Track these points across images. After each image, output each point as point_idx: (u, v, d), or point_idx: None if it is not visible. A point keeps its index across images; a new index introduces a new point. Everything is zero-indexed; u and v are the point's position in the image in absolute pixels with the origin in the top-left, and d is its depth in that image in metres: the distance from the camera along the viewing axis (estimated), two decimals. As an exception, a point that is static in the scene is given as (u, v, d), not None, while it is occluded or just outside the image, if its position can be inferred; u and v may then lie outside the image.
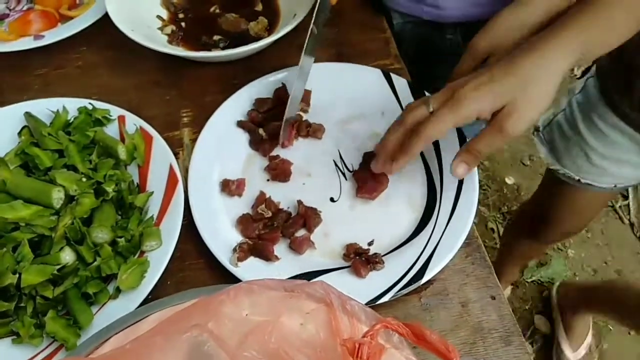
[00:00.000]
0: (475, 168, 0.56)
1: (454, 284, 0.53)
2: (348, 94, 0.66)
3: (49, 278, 0.49)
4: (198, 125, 0.64)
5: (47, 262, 0.50)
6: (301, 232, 0.56)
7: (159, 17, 0.71)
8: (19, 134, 0.60)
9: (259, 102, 0.64)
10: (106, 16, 0.68)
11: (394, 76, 0.66)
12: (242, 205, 0.58)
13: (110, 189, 0.54)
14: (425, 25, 0.77)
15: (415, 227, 0.56)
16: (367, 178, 0.57)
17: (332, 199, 0.59)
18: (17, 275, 0.48)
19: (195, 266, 0.55)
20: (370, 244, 0.55)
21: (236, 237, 0.55)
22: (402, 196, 0.58)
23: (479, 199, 0.56)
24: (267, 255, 0.53)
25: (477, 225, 0.53)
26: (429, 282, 0.52)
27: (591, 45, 0.49)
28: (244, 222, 0.56)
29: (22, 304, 0.49)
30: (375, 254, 0.53)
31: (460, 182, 0.57)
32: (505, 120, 0.47)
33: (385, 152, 0.54)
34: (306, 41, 0.57)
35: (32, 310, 0.49)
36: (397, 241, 0.55)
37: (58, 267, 0.49)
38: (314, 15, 0.56)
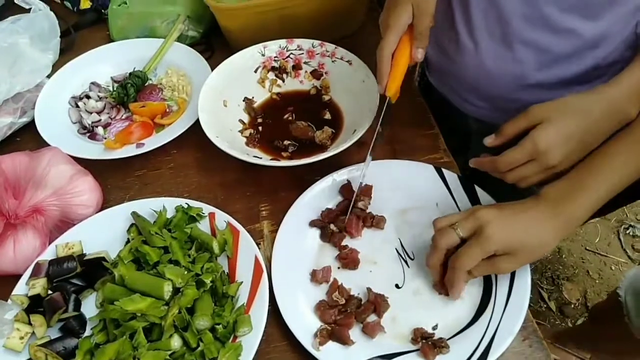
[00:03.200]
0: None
1: (514, 366, 0.59)
2: (405, 188, 0.74)
3: (161, 362, 0.57)
4: (275, 217, 0.74)
5: (159, 348, 0.58)
6: (372, 317, 0.63)
7: (241, 120, 0.84)
8: (128, 231, 0.71)
9: (327, 212, 0.73)
10: (193, 123, 0.81)
11: (445, 170, 0.75)
12: (317, 291, 0.66)
13: (208, 280, 0.63)
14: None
15: (476, 311, 0.62)
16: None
17: (397, 285, 0.66)
18: (136, 360, 0.57)
19: (280, 348, 0.63)
20: (434, 328, 0.62)
21: (314, 321, 0.63)
22: (461, 282, 0.65)
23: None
24: (344, 340, 0.60)
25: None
26: (491, 364, 0.58)
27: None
28: (321, 309, 0.63)
29: (137, 386, 0.58)
30: (441, 338, 0.60)
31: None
32: (501, 262, 0.59)
33: (436, 276, 0.64)
34: (373, 140, 0.67)
35: (146, 391, 0.57)
36: (459, 325, 0.62)
37: (169, 352, 0.58)
38: (381, 118, 0.66)
